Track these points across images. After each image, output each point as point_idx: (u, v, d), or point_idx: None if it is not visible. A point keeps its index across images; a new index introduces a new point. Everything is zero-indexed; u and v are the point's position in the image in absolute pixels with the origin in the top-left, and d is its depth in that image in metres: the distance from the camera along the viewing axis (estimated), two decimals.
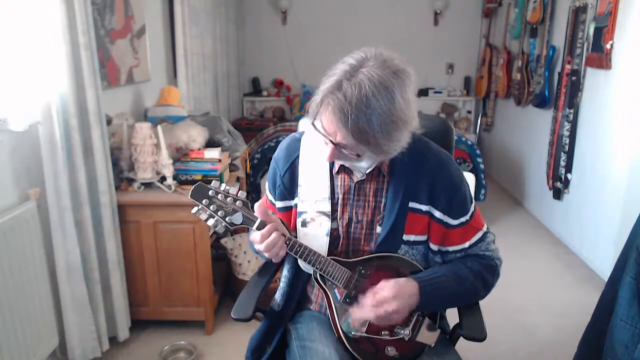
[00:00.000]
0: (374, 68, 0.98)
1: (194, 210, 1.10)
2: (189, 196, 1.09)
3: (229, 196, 1.10)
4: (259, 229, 1.10)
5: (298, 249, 1.11)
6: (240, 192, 1.11)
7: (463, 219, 1.17)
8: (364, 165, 1.14)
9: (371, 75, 0.97)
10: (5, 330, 1.53)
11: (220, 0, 4.05)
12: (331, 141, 1.03)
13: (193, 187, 1.10)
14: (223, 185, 1.11)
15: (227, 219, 1.09)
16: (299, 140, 1.25)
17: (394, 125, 1.00)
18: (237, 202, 1.10)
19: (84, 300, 1.87)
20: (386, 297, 1.05)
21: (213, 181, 1.11)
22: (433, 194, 1.15)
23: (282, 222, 1.19)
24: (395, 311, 1.06)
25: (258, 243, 1.10)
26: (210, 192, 1.09)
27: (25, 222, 1.64)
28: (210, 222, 1.09)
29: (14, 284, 1.58)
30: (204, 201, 1.09)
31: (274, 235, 1.09)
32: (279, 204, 1.24)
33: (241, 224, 1.10)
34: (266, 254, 1.11)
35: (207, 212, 1.09)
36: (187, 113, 2.81)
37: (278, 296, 1.29)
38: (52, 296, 1.81)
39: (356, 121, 0.97)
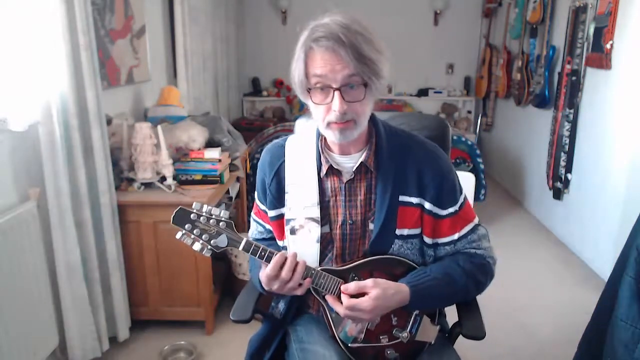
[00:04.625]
0: (335, 15, 1.03)
1: (179, 235, 1.06)
2: (171, 222, 1.06)
3: (212, 218, 1.07)
4: (245, 250, 1.06)
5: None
6: (223, 212, 1.08)
7: (452, 209, 1.15)
8: (367, 113, 1.09)
9: (337, 17, 1.02)
10: (5, 330, 1.53)
11: (220, 0, 4.05)
12: (334, 87, 1.01)
13: (174, 212, 1.06)
14: (205, 206, 1.07)
15: (211, 242, 1.06)
16: (282, 146, 1.22)
17: (377, 47, 1.02)
18: (221, 224, 1.07)
19: (84, 300, 1.87)
20: (364, 307, 1.03)
21: (194, 203, 1.08)
22: (422, 184, 1.13)
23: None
24: (368, 319, 1.07)
25: (273, 277, 1.06)
26: (192, 216, 1.06)
27: (25, 222, 1.64)
28: (196, 246, 1.06)
29: (14, 284, 1.58)
30: (186, 226, 1.05)
31: (290, 259, 1.05)
32: (271, 213, 1.21)
33: (226, 246, 1.07)
34: (290, 285, 1.06)
35: (192, 237, 1.06)
36: (187, 113, 2.81)
37: (281, 305, 1.26)
38: (52, 296, 1.81)
39: (350, 40, 0.98)
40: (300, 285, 1.08)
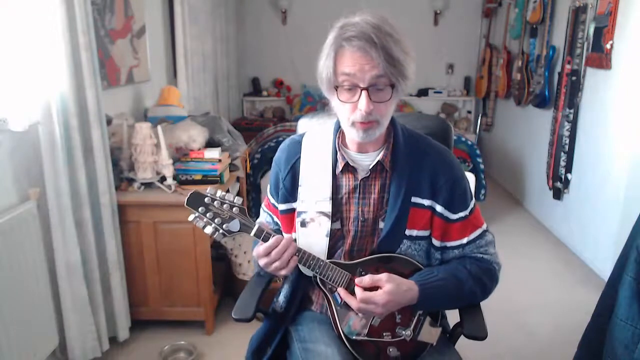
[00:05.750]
0: (365, 15, 1.04)
1: (191, 217, 1.09)
2: (185, 204, 1.08)
3: (225, 203, 1.09)
4: (256, 235, 1.09)
5: (297, 253, 1.11)
6: (236, 198, 1.10)
7: (462, 214, 1.17)
8: (390, 113, 1.11)
9: (367, 16, 1.03)
10: (5, 330, 1.53)
11: (220, 0, 4.05)
12: (362, 87, 1.02)
13: (189, 195, 1.09)
14: (219, 191, 1.10)
15: (224, 226, 1.09)
16: (299, 142, 1.24)
17: (405, 48, 1.03)
18: (234, 209, 1.09)
19: (84, 300, 1.87)
20: (377, 301, 1.06)
21: (209, 188, 1.10)
22: (435, 188, 1.15)
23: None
24: (380, 313, 1.08)
25: (263, 255, 1.09)
26: (206, 200, 1.08)
27: (25, 222, 1.64)
28: (208, 230, 1.08)
29: (14, 284, 1.58)
30: (200, 209, 1.08)
31: (284, 242, 1.08)
32: (282, 207, 1.23)
33: (238, 231, 1.09)
34: (276, 264, 1.09)
35: (204, 220, 1.08)
36: (187, 113, 2.81)
37: (281, 298, 1.28)
38: (52, 296, 1.81)
39: (381, 41, 0.99)
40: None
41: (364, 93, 1.02)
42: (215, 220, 1.08)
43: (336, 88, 1.06)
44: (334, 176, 1.18)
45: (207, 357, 2.12)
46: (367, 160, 1.16)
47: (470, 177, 3.39)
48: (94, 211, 1.92)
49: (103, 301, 1.99)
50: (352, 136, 1.12)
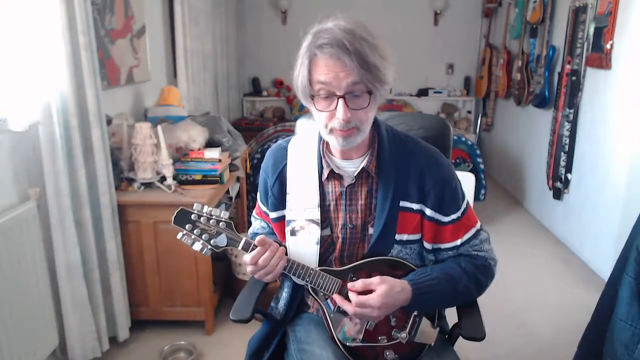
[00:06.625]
0: (338, 20, 1.01)
1: (179, 235, 1.09)
2: (172, 223, 1.09)
3: (212, 218, 1.09)
4: (244, 249, 1.09)
5: (285, 264, 1.11)
6: (223, 212, 1.10)
7: (454, 216, 1.15)
8: (370, 119, 1.08)
9: (341, 21, 1.00)
10: (5, 330, 1.54)
11: (220, 0, 4.05)
12: (338, 95, 1.00)
13: (175, 213, 1.09)
14: (205, 207, 1.10)
15: (211, 242, 1.09)
16: (285, 148, 1.22)
17: (382, 53, 1.00)
18: (221, 224, 1.09)
19: (84, 300, 1.87)
20: (372, 304, 1.04)
21: (195, 204, 1.10)
22: (423, 191, 1.13)
23: (280, 243, 1.18)
24: (376, 316, 1.07)
25: (250, 264, 1.09)
26: (192, 216, 1.08)
27: (25, 222, 1.64)
28: (197, 246, 1.08)
29: (14, 284, 1.58)
30: (187, 226, 1.08)
31: (267, 252, 1.08)
32: (273, 215, 1.22)
33: (226, 245, 1.09)
34: (262, 271, 1.09)
35: (192, 237, 1.09)
36: (187, 113, 2.81)
37: (281, 305, 1.27)
38: (52, 296, 1.81)
39: (355, 47, 0.96)
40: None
41: (340, 101, 1.00)
42: (203, 237, 1.08)
43: (312, 97, 1.04)
44: (321, 183, 1.16)
45: (207, 357, 2.12)
46: (351, 167, 1.15)
47: (470, 177, 3.36)
48: (94, 211, 1.92)
49: (103, 301, 1.99)
50: (333, 143, 1.11)
